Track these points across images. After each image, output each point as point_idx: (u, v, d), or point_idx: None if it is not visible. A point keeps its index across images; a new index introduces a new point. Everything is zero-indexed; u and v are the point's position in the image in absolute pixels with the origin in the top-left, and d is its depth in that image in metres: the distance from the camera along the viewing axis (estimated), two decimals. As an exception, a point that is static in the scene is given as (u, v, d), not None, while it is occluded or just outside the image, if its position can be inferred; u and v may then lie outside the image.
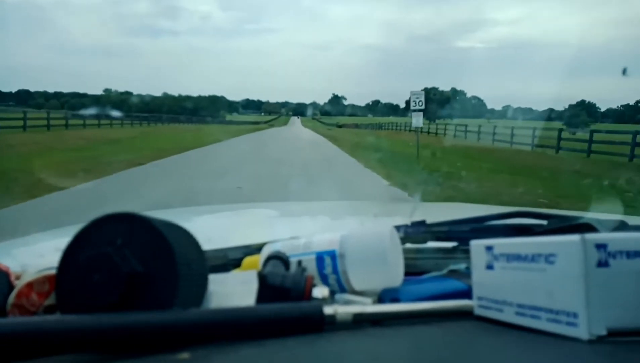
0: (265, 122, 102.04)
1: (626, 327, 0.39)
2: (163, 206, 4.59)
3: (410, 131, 33.99)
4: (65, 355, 0.40)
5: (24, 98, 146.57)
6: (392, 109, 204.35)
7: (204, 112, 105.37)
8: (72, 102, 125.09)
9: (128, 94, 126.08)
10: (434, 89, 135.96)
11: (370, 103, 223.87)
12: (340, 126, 77.66)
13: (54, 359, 0.40)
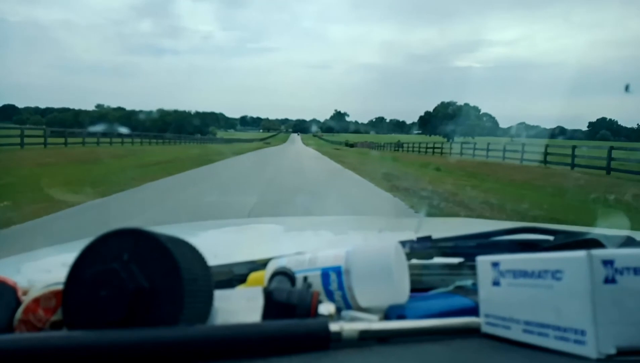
0: (261, 139, 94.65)
1: (635, 345, 0.39)
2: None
3: (442, 153, 30.27)
4: None
5: (9, 114, 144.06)
6: (397, 126, 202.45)
7: (192, 129, 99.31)
8: (59, 117, 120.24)
9: (121, 110, 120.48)
10: (452, 104, 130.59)
11: (374, 120, 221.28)
12: (351, 145, 66.10)
13: None
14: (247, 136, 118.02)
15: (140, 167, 13.28)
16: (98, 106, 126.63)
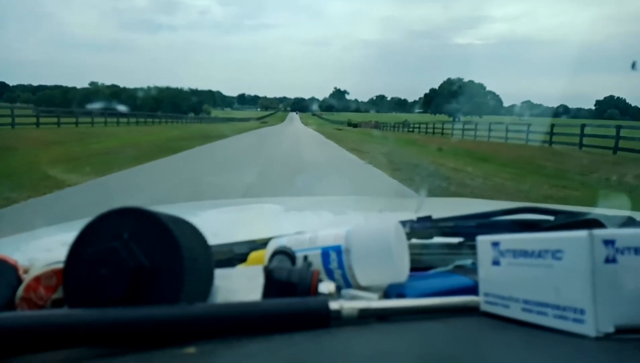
0: (258, 118, 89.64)
1: (634, 324, 0.39)
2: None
3: (453, 134, 27.16)
4: (73, 349, 0.41)
5: (0, 91, 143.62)
6: (398, 104, 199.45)
7: (186, 107, 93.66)
8: (49, 94, 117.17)
9: (115, 87, 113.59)
10: (459, 81, 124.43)
11: (375, 98, 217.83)
12: (354, 125, 59.23)
13: (61, 353, 0.41)
14: (244, 114, 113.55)
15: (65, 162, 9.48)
16: (92, 83, 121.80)
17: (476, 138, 24.25)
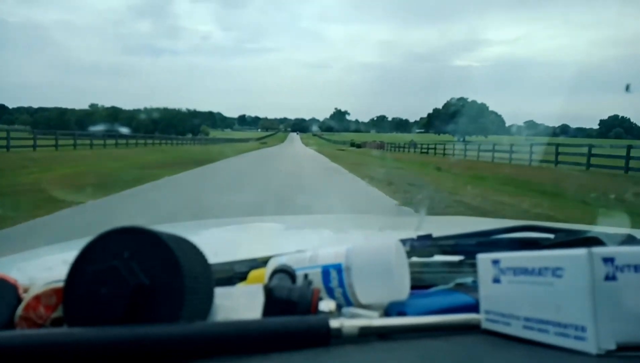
0: (258, 139, 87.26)
1: (635, 342, 0.39)
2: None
3: (462, 155, 25.95)
4: None
5: None
6: (400, 124, 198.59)
7: (183, 128, 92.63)
8: (45, 116, 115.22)
9: (112, 109, 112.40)
10: (463, 100, 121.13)
11: (375, 119, 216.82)
12: (358, 146, 56.41)
13: None
14: (244, 135, 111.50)
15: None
16: (91, 105, 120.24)
17: (494, 159, 22.87)
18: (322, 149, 43.41)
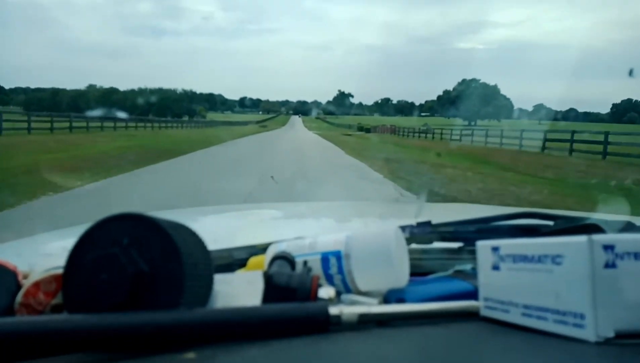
0: (258, 122, 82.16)
1: (633, 329, 0.39)
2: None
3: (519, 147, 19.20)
4: (72, 355, 0.41)
5: None
6: (405, 107, 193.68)
7: (179, 110, 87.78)
8: (36, 96, 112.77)
9: (105, 89, 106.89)
10: (475, 81, 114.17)
11: (380, 101, 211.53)
12: (367, 130, 50.08)
13: (60, 358, 0.40)
14: (244, 118, 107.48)
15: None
16: (89, 86, 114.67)
17: (545, 149, 18.89)
18: (327, 134, 37.13)
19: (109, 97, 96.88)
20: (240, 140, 24.86)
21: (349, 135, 36.83)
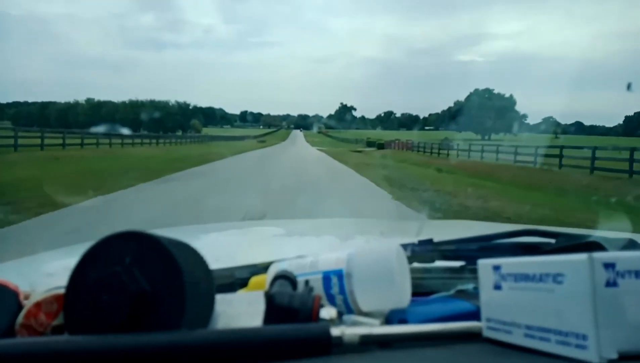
0: (256, 137, 75.51)
1: (636, 350, 0.39)
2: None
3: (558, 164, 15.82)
4: None
5: None
6: (409, 120, 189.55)
7: (172, 123, 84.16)
8: (25, 110, 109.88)
9: (93, 101, 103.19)
10: (489, 91, 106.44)
11: (382, 114, 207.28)
12: (379, 146, 43.15)
13: None
14: (243, 132, 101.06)
15: None
16: (88, 100, 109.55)
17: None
18: (334, 152, 30.56)
19: (99, 111, 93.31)
20: (237, 157, 20.94)
21: (359, 151, 31.96)
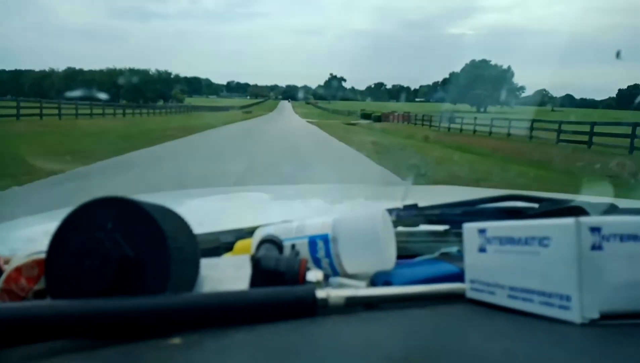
0: (242, 107, 73.12)
1: (618, 310, 0.39)
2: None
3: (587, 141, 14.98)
4: (56, 342, 0.40)
5: None
6: (400, 92, 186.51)
7: (153, 93, 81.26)
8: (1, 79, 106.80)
9: (69, 70, 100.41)
10: (485, 62, 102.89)
11: (373, 86, 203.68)
12: (376, 118, 41.02)
13: (43, 345, 0.40)
14: (229, 102, 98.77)
15: None
16: (68, 68, 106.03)
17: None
18: (326, 124, 27.51)
19: (74, 79, 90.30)
20: (211, 132, 18.05)
21: (353, 124, 28.43)
